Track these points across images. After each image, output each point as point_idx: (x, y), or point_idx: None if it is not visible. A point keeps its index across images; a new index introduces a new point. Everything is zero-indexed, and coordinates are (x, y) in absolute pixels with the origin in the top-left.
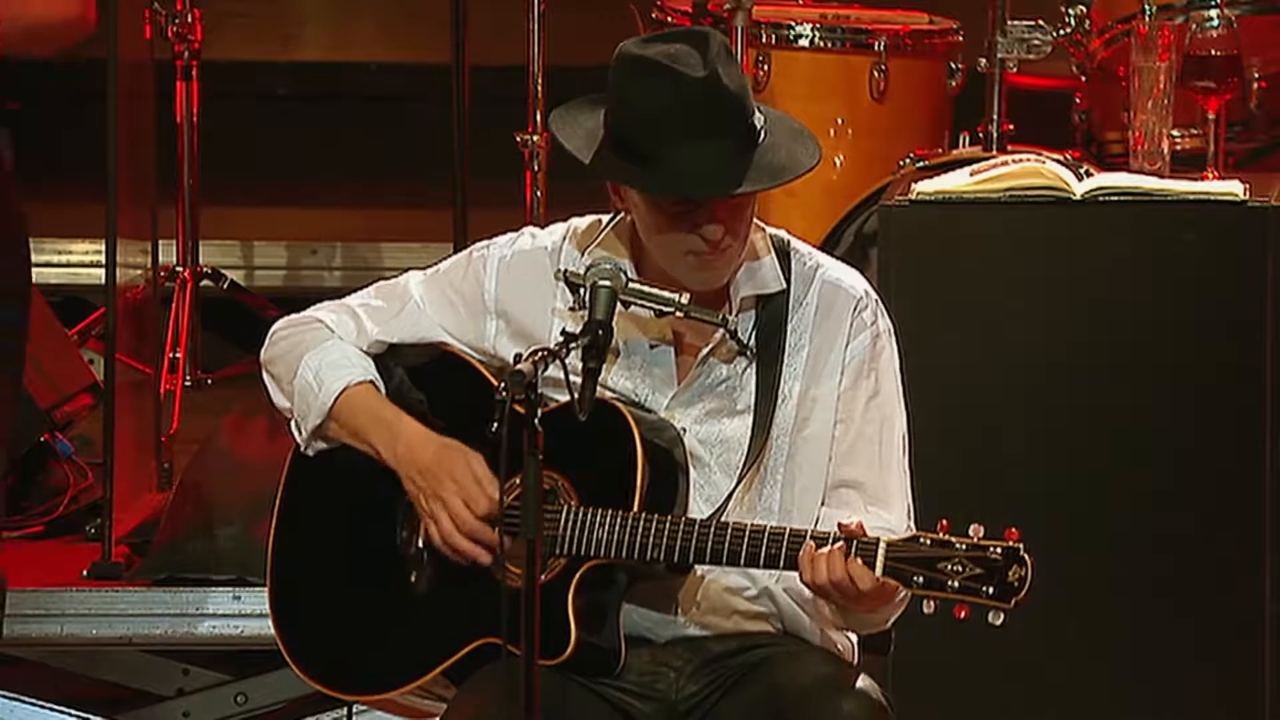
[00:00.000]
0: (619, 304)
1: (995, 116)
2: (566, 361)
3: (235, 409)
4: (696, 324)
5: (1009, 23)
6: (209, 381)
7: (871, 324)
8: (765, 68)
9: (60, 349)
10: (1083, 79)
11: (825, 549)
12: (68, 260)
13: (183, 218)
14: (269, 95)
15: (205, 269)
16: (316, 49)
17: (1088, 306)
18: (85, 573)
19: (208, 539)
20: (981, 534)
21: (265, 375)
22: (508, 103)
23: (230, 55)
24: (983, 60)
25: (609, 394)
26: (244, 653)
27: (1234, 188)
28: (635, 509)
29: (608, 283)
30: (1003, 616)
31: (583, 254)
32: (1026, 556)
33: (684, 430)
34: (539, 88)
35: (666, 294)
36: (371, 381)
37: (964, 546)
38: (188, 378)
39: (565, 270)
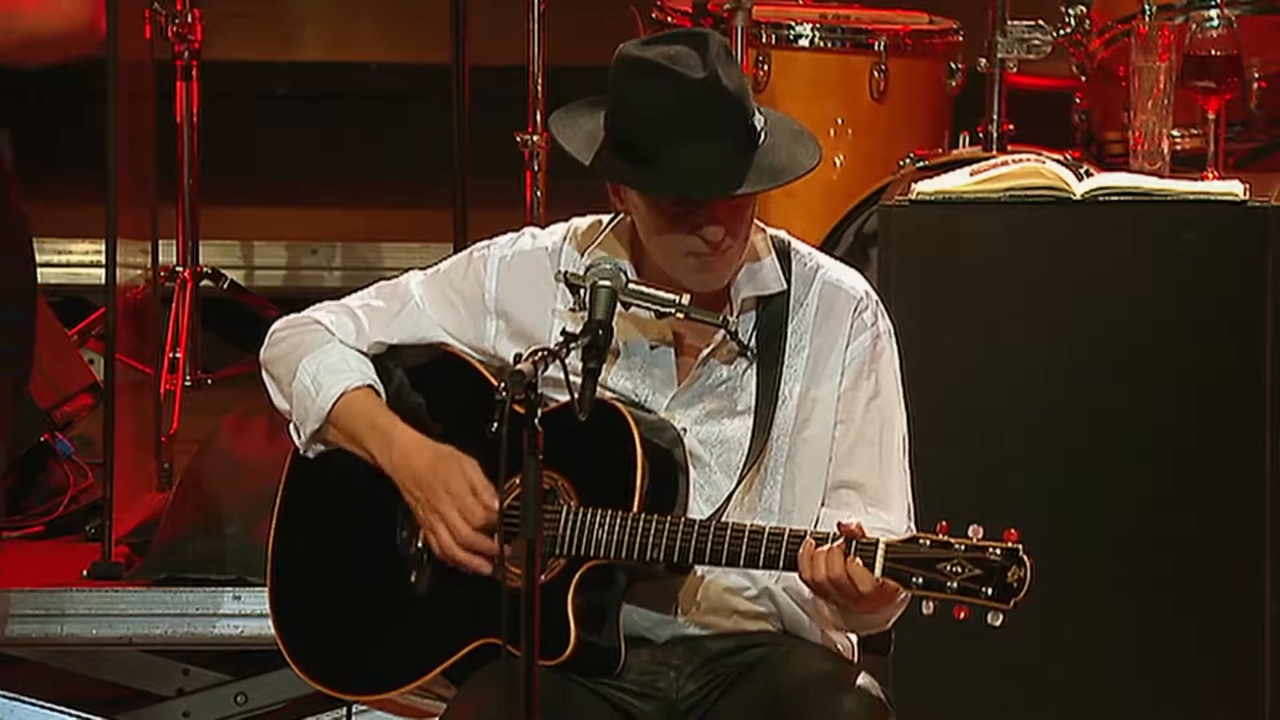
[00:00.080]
0: (619, 304)
1: (995, 116)
2: (566, 362)
3: (235, 409)
4: (697, 325)
5: (1009, 23)
6: (209, 381)
7: (872, 325)
8: (765, 68)
9: (60, 349)
10: (1083, 79)
11: (825, 547)
12: (68, 260)
13: (183, 218)
14: (269, 95)
15: (205, 269)
16: (316, 49)
17: (1088, 306)
18: (85, 573)
19: (208, 539)
20: (981, 535)
21: (265, 375)
22: (508, 103)
23: (230, 55)
24: (983, 60)
25: (609, 394)
26: (244, 653)
27: (1234, 188)
28: (635, 509)
29: (608, 283)
30: (1002, 617)
31: (583, 254)
32: (1025, 558)
33: (684, 430)
34: (539, 88)
35: (666, 295)
36: (370, 385)
37: (963, 547)
38: (188, 378)
39: (565, 271)
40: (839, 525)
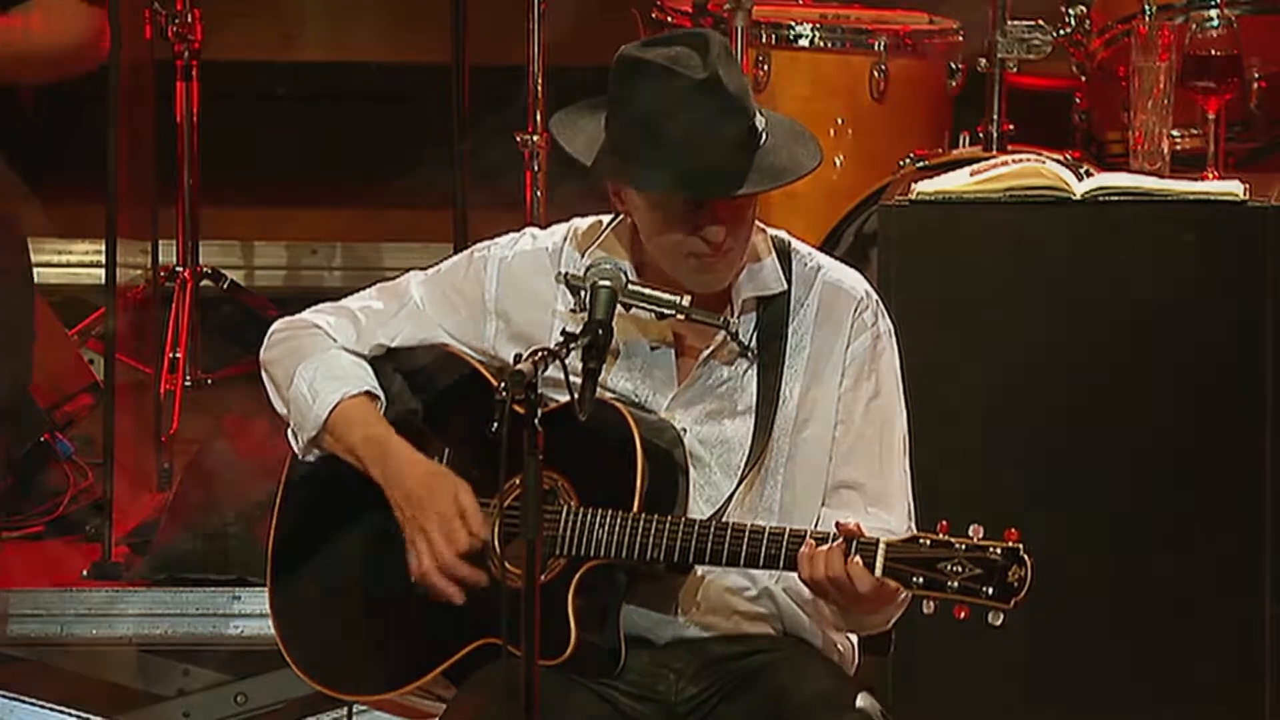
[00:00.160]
0: (619, 305)
1: (995, 116)
2: (566, 362)
3: (235, 409)
4: (697, 325)
5: (1009, 23)
6: (209, 381)
7: (872, 325)
8: (765, 68)
9: (60, 349)
10: (1083, 79)
11: (824, 547)
12: (68, 260)
13: (183, 218)
14: (269, 95)
15: (205, 269)
16: (316, 49)
17: (1088, 306)
18: (85, 573)
19: (208, 539)
20: (981, 534)
21: (264, 376)
22: (508, 103)
23: (230, 55)
24: (983, 60)
25: (609, 395)
26: (244, 653)
27: (1234, 188)
28: (635, 509)
29: (608, 284)
30: (1002, 617)
31: (583, 255)
32: (1026, 557)
33: (684, 431)
34: (539, 88)
35: (667, 296)
36: (367, 392)
37: (964, 547)
38: (188, 378)
39: (566, 271)
40: (837, 524)
